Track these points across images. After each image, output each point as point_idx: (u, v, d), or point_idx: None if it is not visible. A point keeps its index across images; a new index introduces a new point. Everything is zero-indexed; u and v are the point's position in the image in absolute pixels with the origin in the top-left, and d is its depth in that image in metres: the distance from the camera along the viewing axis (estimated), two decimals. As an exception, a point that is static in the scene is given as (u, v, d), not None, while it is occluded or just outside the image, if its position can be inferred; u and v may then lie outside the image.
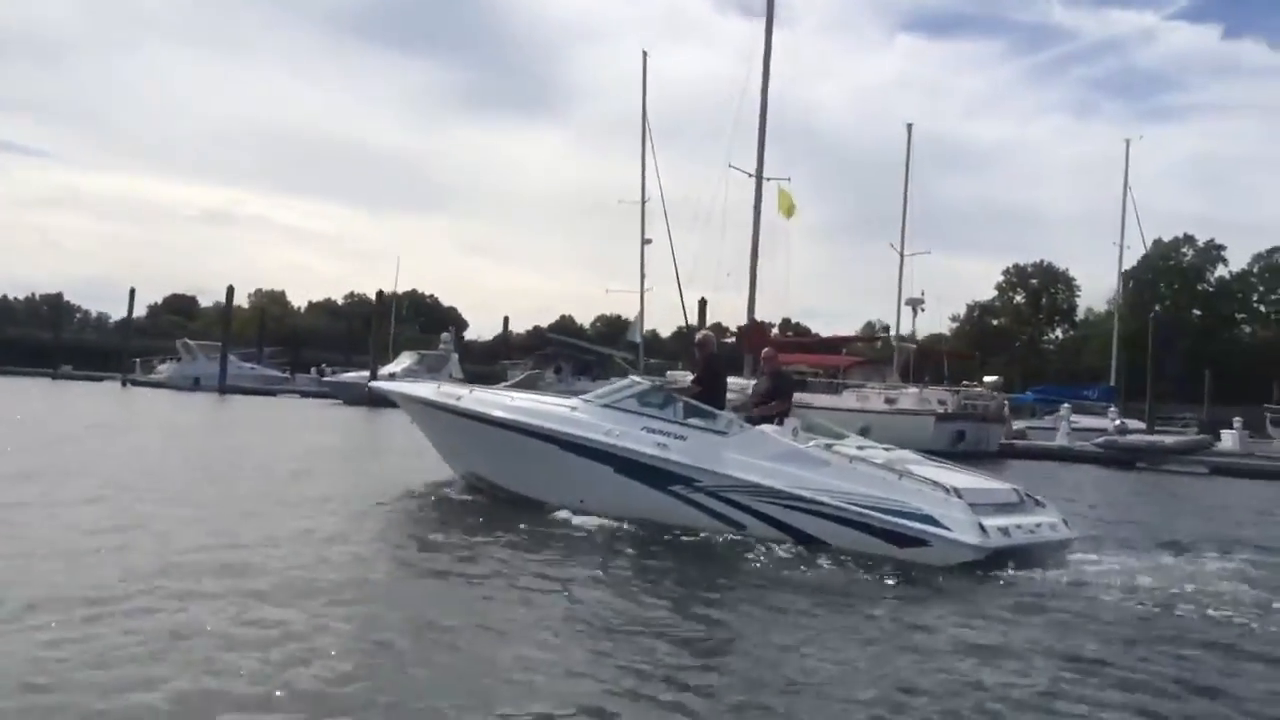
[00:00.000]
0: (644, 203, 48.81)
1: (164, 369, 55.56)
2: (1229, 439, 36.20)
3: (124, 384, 53.18)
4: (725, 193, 37.12)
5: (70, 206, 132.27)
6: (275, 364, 60.89)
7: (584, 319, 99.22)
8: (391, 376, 46.33)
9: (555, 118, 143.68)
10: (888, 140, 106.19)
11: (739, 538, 9.62)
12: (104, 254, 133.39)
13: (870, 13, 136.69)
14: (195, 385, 51.11)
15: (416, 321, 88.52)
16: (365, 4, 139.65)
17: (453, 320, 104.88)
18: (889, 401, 31.29)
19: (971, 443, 29.97)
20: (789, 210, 35.80)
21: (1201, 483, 26.36)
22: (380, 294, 50.95)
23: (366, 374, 46.60)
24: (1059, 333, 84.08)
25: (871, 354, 36.97)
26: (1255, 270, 74.84)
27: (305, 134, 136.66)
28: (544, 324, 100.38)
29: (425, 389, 13.86)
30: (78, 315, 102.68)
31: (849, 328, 75.88)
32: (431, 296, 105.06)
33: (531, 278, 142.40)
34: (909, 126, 45.10)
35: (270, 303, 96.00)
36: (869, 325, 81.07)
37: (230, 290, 53.69)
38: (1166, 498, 19.67)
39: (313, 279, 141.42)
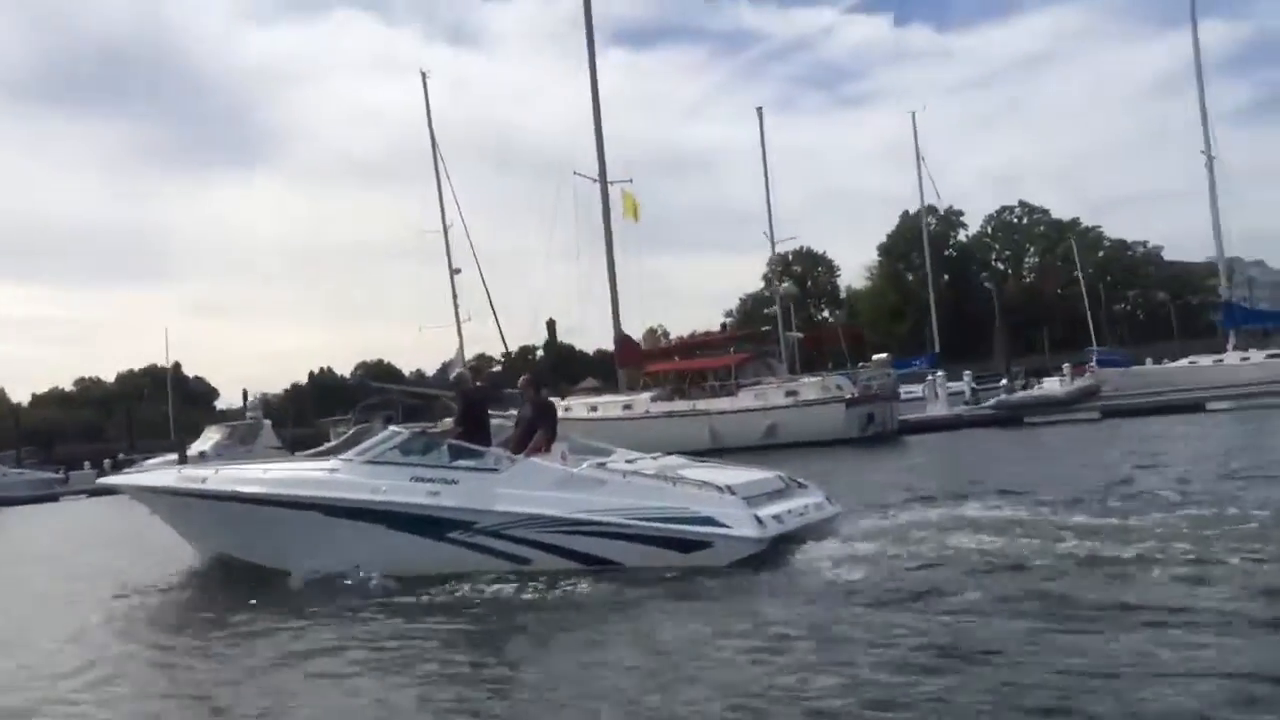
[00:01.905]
0: (446, 230, 46.93)
1: (-88, 489, 47.27)
2: (1052, 385, 39.38)
3: None
4: (573, 199, 36.49)
5: None
6: (35, 465, 53.52)
7: (342, 368, 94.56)
8: (202, 455, 41.97)
9: (266, 165, 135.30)
10: (610, 152, 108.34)
11: (517, 579, 9.20)
12: None
13: (574, 29, 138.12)
14: (-46, 503, 43.88)
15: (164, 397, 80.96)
16: (44, 65, 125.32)
17: (204, 391, 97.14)
18: (790, 394, 31.22)
19: (879, 423, 30.45)
20: (635, 212, 36.01)
21: (1103, 427, 28.08)
22: (177, 367, 45.88)
23: (174, 457, 42.02)
24: (827, 313, 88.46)
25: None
26: (990, 231, 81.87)
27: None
28: (301, 380, 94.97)
29: (165, 477, 13.29)
30: None
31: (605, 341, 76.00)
32: (176, 365, 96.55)
33: (274, 334, 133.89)
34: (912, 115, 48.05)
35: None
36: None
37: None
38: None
39: (25, 370, 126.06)
